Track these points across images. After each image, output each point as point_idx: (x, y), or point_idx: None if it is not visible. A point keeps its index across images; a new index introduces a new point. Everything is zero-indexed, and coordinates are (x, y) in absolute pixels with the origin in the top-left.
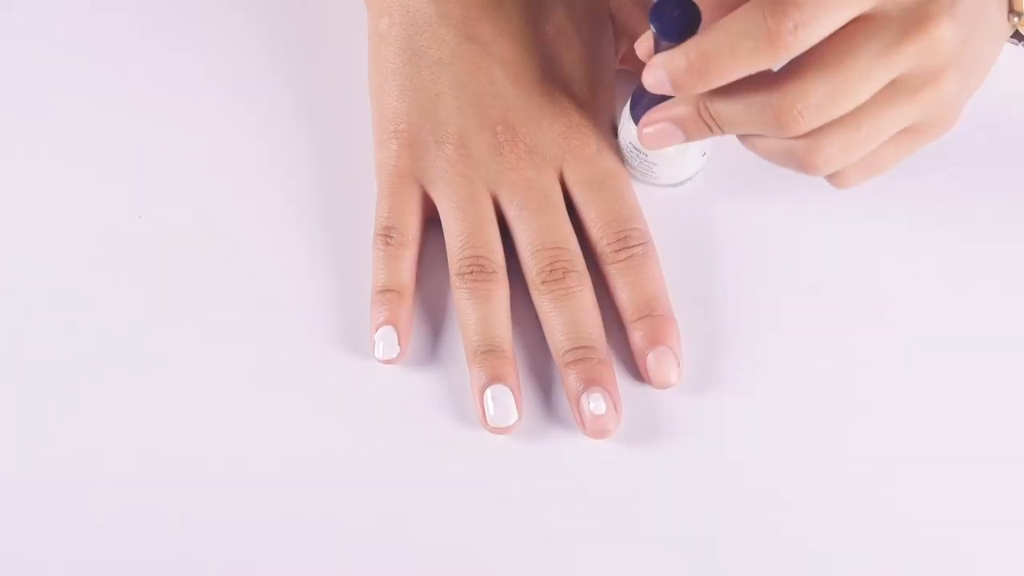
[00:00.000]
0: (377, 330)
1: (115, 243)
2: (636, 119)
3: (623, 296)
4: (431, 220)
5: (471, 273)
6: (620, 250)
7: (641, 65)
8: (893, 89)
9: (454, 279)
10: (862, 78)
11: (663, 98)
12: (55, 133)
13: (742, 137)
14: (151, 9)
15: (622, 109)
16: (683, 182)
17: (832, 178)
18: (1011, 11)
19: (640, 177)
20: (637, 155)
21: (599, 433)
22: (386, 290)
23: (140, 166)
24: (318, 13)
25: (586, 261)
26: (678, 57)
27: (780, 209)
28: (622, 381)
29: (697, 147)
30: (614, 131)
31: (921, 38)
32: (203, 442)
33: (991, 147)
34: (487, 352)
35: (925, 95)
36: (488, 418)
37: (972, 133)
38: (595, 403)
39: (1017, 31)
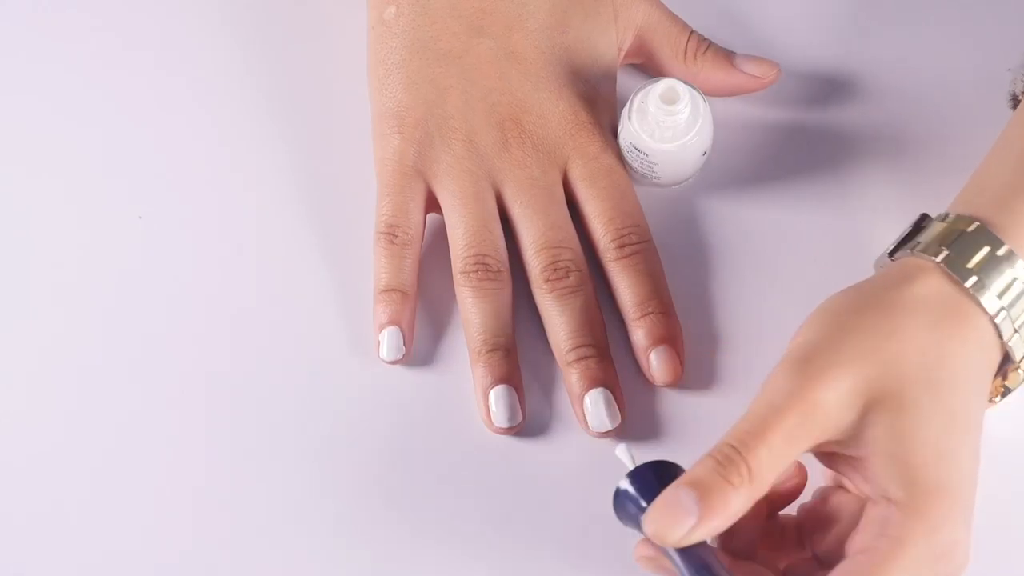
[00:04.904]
0: (381, 330)
1: (115, 243)
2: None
3: (624, 294)
4: (430, 215)
5: (476, 272)
6: (621, 247)
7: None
8: None
9: (458, 277)
10: None
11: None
12: (55, 133)
13: None
14: (148, 7)
15: (622, 109)
16: (683, 182)
17: None
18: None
19: (640, 177)
20: (637, 155)
21: (601, 433)
22: (389, 289)
23: (139, 166)
24: (314, 5)
25: (589, 260)
26: None
27: (780, 209)
28: (624, 379)
29: (697, 147)
30: (613, 131)
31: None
32: (206, 442)
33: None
34: (491, 352)
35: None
36: (492, 419)
37: (975, 140)
38: (596, 402)
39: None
